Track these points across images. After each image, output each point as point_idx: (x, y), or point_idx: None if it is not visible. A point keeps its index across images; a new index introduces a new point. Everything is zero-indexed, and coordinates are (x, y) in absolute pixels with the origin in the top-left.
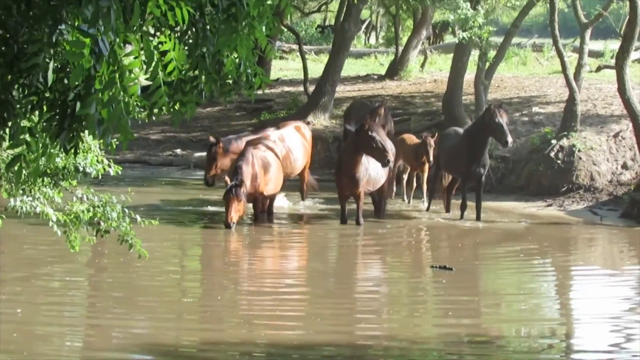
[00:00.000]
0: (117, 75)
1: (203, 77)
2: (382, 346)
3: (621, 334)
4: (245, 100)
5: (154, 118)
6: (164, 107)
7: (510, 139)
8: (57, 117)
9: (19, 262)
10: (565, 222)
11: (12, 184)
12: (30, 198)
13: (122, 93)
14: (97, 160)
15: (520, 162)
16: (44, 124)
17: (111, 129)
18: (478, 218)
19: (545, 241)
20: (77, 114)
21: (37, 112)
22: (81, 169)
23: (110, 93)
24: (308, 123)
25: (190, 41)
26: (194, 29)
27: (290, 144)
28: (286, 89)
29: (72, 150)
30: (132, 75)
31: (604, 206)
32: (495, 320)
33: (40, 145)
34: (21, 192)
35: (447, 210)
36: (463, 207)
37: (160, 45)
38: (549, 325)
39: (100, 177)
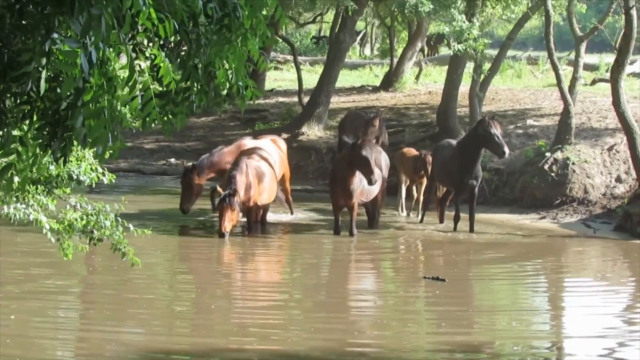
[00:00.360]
0: (105, 87)
1: (195, 88)
2: (374, 357)
3: (614, 346)
4: (240, 110)
5: (144, 127)
6: (155, 118)
7: (507, 150)
8: (49, 126)
9: (13, 269)
10: (559, 235)
11: (4, 191)
12: (23, 205)
13: (113, 104)
14: (91, 169)
15: (514, 174)
16: (35, 133)
17: (101, 141)
18: (471, 230)
19: (538, 254)
20: (67, 124)
21: (28, 121)
22: (75, 177)
23: (97, 105)
24: (286, 137)
25: (183, 53)
26: (187, 40)
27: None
28: (281, 99)
29: (62, 160)
30: (127, 89)
31: (598, 219)
32: (488, 332)
33: (31, 154)
34: (14, 199)
35: (441, 221)
36: (456, 219)
37: (152, 57)
38: (541, 338)
39: (93, 185)
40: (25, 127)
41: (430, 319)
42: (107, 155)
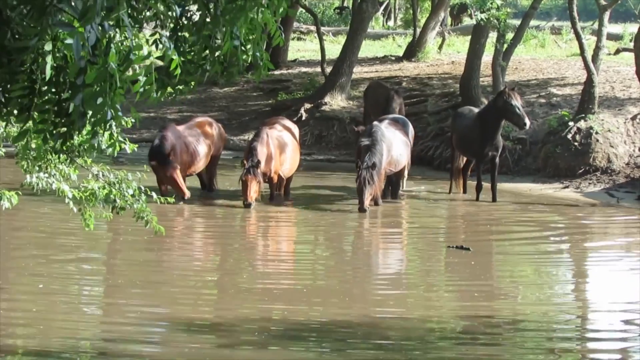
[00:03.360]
0: (107, 72)
1: (208, 58)
2: (398, 326)
3: (638, 318)
4: (263, 80)
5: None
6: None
7: (527, 121)
8: (52, 117)
9: (38, 238)
10: (582, 204)
11: (29, 161)
12: (46, 175)
13: (115, 85)
14: (114, 139)
15: (537, 144)
16: (38, 125)
17: (100, 121)
18: (494, 199)
19: (561, 223)
20: (69, 114)
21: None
22: (97, 146)
23: (99, 87)
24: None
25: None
26: (203, 9)
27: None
28: (303, 69)
29: (63, 145)
30: (136, 73)
31: (621, 188)
32: (512, 301)
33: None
34: (37, 168)
35: (464, 191)
36: (478, 189)
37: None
38: (564, 309)
39: (115, 154)
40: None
41: (453, 288)
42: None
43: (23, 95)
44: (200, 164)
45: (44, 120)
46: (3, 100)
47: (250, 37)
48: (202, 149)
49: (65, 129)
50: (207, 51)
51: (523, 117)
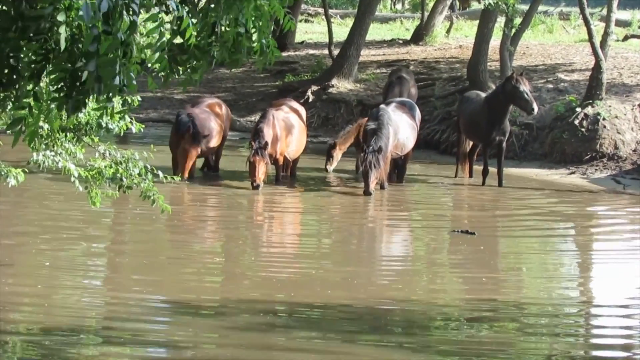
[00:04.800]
0: (119, 40)
1: (215, 44)
2: (402, 308)
3: None
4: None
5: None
6: (174, 71)
7: (536, 107)
8: (66, 85)
9: (44, 216)
10: (588, 190)
11: (36, 139)
12: (52, 153)
13: (130, 53)
14: (120, 117)
15: (544, 129)
16: (51, 90)
17: (113, 87)
18: (500, 184)
19: (567, 209)
20: (83, 82)
21: (44, 79)
22: (104, 125)
23: (112, 54)
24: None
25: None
26: None
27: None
28: (311, 51)
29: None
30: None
31: (628, 175)
32: (517, 285)
33: (44, 109)
34: (43, 147)
35: (470, 175)
36: (485, 173)
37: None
38: (569, 293)
39: (122, 134)
40: (43, 85)
41: (458, 272)
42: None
43: (36, 61)
44: (215, 146)
45: (59, 89)
46: (15, 65)
47: (257, 25)
48: (216, 130)
49: (80, 96)
50: (213, 37)
51: (531, 102)
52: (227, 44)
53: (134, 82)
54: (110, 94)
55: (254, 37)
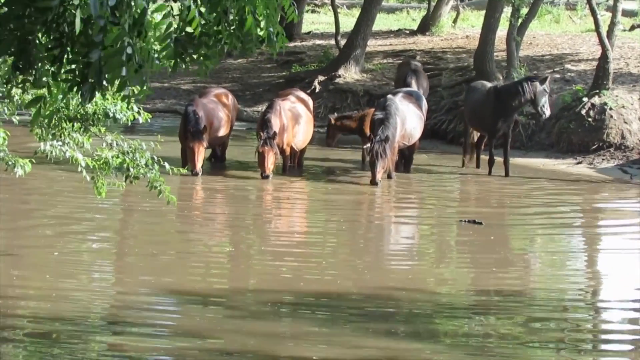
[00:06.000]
0: (128, 30)
1: (225, 32)
2: (410, 298)
3: None
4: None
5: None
6: (187, 59)
7: (548, 112)
8: (79, 68)
9: (51, 206)
10: (595, 180)
11: (43, 129)
12: (60, 143)
13: (136, 46)
14: (127, 107)
15: (551, 119)
16: (66, 74)
17: (117, 76)
18: (506, 174)
19: (574, 199)
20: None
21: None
22: (111, 115)
23: (117, 47)
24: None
25: None
26: None
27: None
28: (317, 42)
29: (89, 98)
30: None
31: (634, 165)
32: (523, 274)
33: (63, 88)
34: (51, 136)
35: (477, 165)
36: (490, 163)
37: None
38: (576, 282)
39: (129, 123)
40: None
41: (465, 261)
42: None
43: (54, 46)
44: (223, 135)
45: (72, 70)
46: (31, 50)
47: (265, 12)
48: (224, 121)
49: (93, 80)
50: (223, 25)
51: (545, 107)
52: (235, 31)
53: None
54: (125, 79)
55: (262, 24)
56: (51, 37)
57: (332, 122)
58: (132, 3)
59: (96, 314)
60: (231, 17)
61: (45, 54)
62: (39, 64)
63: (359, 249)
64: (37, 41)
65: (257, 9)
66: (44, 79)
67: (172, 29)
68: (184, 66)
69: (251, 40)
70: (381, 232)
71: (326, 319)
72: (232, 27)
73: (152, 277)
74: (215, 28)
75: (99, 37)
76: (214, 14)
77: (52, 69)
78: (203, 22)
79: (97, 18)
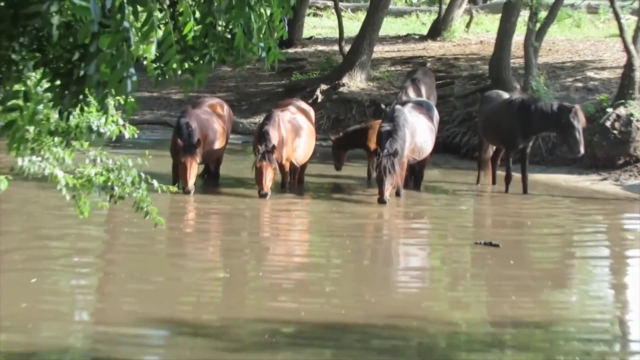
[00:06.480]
0: (124, 34)
1: (213, 46)
2: (421, 328)
3: None
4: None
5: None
6: (172, 72)
7: (582, 150)
8: (61, 78)
9: (29, 227)
10: (621, 198)
11: (21, 144)
12: (39, 158)
13: (128, 51)
14: (113, 121)
15: None
16: (47, 86)
17: (116, 87)
18: (525, 191)
19: (598, 219)
20: (81, 76)
21: (39, 71)
22: (95, 128)
23: (114, 52)
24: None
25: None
26: None
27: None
28: (320, 47)
29: (67, 114)
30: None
31: None
32: (543, 302)
33: (31, 111)
34: (29, 151)
35: (493, 182)
36: (508, 180)
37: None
38: (601, 311)
39: (113, 138)
40: (35, 79)
41: (480, 288)
42: (128, 113)
43: (31, 50)
44: (217, 149)
45: (54, 78)
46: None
47: (256, 26)
48: (219, 134)
49: (76, 87)
50: (210, 37)
51: (579, 143)
52: (224, 45)
53: (134, 77)
54: (109, 90)
55: (253, 38)
56: (29, 44)
57: (337, 146)
58: (126, 5)
59: (76, 349)
60: (219, 29)
61: (26, 61)
62: (10, 83)
63: (365, 275)
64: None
65: (248, 22)
66: (14, 100)
67: (171, 33)
68: (173, 75)
69: (241, 55)
70: (389, 256)
71: (329, 352)
72: (220, 41)
73: (138, 307)
74: (202, 40)
75: (93, 46)
76: (200, 26)
77: (25, 88)
78: (196, 28)
79: (91, 23)
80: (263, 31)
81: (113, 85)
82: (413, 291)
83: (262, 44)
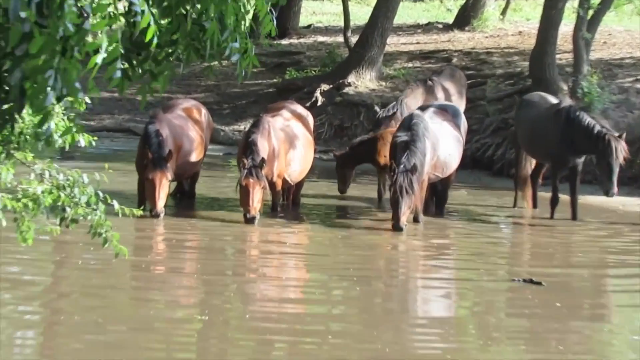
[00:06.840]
0: (61, 32)
1: (182, 42)
2: None
3: None
4: (266, 52)
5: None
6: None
7: (615, 191)
8: None
9: None
10: None
11: None
12: None
13: (71, 52)
14: (64, 127)
15: (634, 143)
16: None
17: (40, 104)
18: (574, 217)
19: None
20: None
21: None
22: (43, 136)
23: (46, 57)
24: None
25: None
26: None
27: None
28: (320, 38)
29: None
30: (96, 41)
31: None
32: (596, 354)
33: None
34: None
35: (534, 205)
36: (553, 203)
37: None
38: None
39: (67, 148)
40: None
41: (522, 336)
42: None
43: None
44: (194, 162)
45: None
46: None
47: (231, 21)
48: (196, 144)
49: (6, 105)
50: (178, 34)
51: (613, 185)
52: (195, 43)
53: (80, 90)
54: (47, 110)
55: (224, 35)
56: None
57: (341, 164)
58: (66, 3)
59: None
60: (189, 22)
61: None
62: None
63: (376, 320)
64: None
65: (225, 15)
66: None
67: (118, 42)
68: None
69: (211, 54)
70: (405, 296)
71: None
72: (191, 37)
73: (94, 356)
74: (169, 37)
75: (21, 48)
76: (169, 19)
77: None
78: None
79: (15, 20)
80: (243, 27)
81: (32, 97)
82: (433, 341)
83: (236, 44)
